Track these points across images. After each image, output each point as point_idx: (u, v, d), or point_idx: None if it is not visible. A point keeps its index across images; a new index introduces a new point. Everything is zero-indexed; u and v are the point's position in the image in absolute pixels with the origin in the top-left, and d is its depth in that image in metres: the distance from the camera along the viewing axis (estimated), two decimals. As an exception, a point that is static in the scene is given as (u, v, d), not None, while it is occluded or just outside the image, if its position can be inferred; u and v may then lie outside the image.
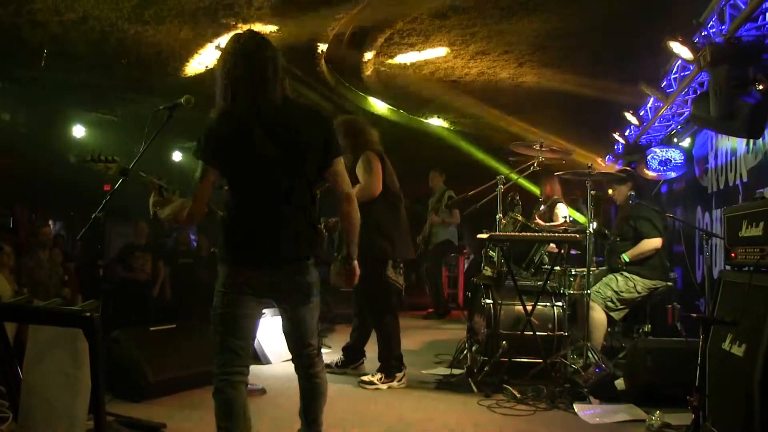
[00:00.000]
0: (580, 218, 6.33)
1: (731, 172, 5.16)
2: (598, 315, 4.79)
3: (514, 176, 5.21)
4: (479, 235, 4.73)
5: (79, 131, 8.56)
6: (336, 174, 2.58)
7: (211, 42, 5.41)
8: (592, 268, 4.79)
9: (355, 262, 2.67)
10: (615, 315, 4.89)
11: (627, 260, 4.93)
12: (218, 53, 5.64)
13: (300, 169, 2.48)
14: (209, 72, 6.34)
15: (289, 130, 2.46)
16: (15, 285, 5.46)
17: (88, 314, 1.65)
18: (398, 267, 4.59)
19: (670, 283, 5.04)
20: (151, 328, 4.37)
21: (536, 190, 6.50)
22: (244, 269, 2.45)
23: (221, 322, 2.44)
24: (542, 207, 6.15)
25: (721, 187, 5.43)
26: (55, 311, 1.88)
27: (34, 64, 5.95)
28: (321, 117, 2.61)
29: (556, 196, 6.10)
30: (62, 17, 4.89)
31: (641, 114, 6.39)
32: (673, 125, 6.32)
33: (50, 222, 11.40)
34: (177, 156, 10.97)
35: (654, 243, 4.89)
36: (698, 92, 4.93)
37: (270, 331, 5.09)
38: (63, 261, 7.07)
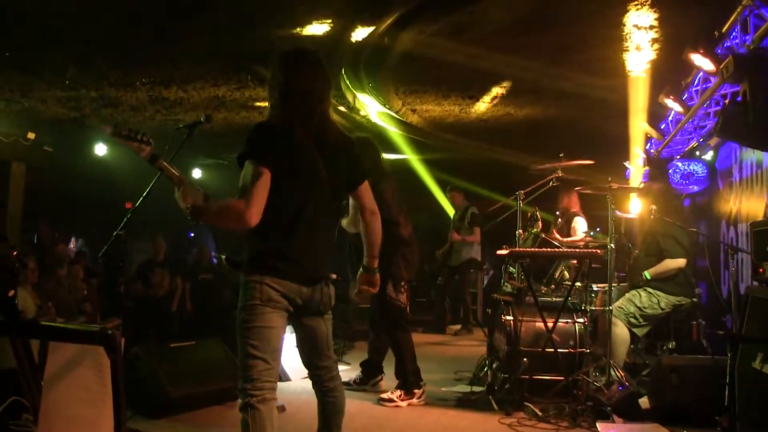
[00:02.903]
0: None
1: (757, 185, 5.07)
2: (621, 331, 4.70)
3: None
4: (499, 251, 4.69)
5: (101, 149, 8.71)
6: (362, 193, 2.66)
7: (228, 61, 5.48)
8: (613, 284, 4.71)
9: (377, 276, 2.71)
10: (638, 331, 4.80)
11: (648, 277, 4.85)
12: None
13: (336, 186, 2.54)
14: (228, 91, 6.43)
15: (332, 150, 2.52)
16: (38, 300, 5.51)
17: (109, 332, 1.66)
18: (399, 286, 4.58)
19: (695, 299, 4.95)
20: (171, 345, 4.39)
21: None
22: (281, 281, 2.39)
23: (253, 335, 2.35)
24: (559, 221, 6.08)
25: (747, 200, 5.33)
26: (78, 329, 1.90)
27: (55, 84, 6.07)
28: (351, 142, 2.67)
29: (573, 210, 6.03)
30: (85, 37, 4.99)
31: (662, 127, 6.33)
32: (695, 138, 6.24)
33: (73, 239, 11.57)
34: (197, 173, 11.11)
35: (677, 263, 4.78)
36: (723, 104, 4.87)
37: (289, 348, 5.08)
38: (85, 277, 7.13)
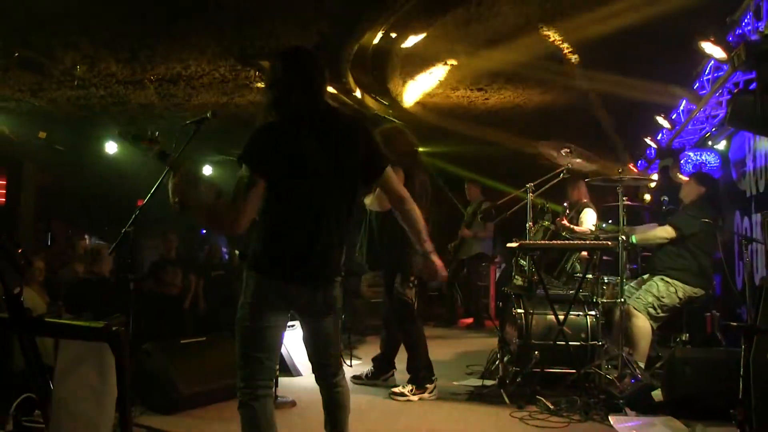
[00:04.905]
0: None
1: (771, 174, 5.00)
2: (642, 323, 4.61)
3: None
4: (509, 244, 4.66)
5: (111, 147, 8.77)
6: (386, 182, 2.57)
7: (236, 57, 5.48)
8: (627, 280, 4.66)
9: (434, 256, 2.64)
10: (653, 324, 4.74)
11: (634, 240, 4.76)
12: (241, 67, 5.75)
13: (343, 183, 2.46)
14: (236, 87, 6.43)
15: (336, 142, 2.45)
16: (47, 298, 5.55)
17: (114, 328, 1.66)
18: (407, 281, 4.54)
19: (710, 291, 4.88)
20: (182, 341, 4.40)
21: None
22: (278, 281, 2.38)
23: (248, 334, 2.37)
24: (568, 212, 6.01)
25: (761, 190, 5.26)
26: (82, 326, 1.91)
27: (65, 83, 6.10)
28: (363, 128, 2.59)
29: (584, 200, 5.97)
30: (93, 37, 5.01)
31: (673, 117, 6.25)
32: (707, 128, 6.16)
33: (86, 236, 11.66)
34: (207, 170, 11.15)
35: (665, 231, 4.71)
36: (733, 93, 4.80)
37: (300, 343, 5.07)
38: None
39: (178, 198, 2.34)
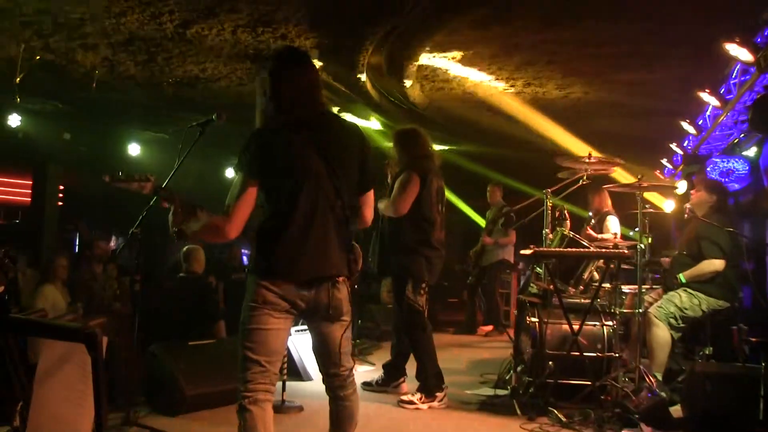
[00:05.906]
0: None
1: (802, 182, 4.79)
2: (662, 333, 4.46)
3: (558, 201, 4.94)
4: (523, 251, 4.54)
5: (134, 149, 8.90)
6: (365, 202, 2.61)
7: (251, 60, 5.48)
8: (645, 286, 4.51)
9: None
10: (675, 334, 4.57)
11: (683, 281, 4.61)
12: (259, 69, 5.75)
13: (339, 184, 2.44)
14: (253, 89, 6.44)
15: (330, 145, 2.44)
16: (68, 297, 5.61)
17: (90, 330, 1.63)
18: (418, 288, 4.44)
19: (736, 304, 4.68)
20: (189, 343, 4.38)
21: None
22: (276, 283, 2.36)
23: (250, 337, 2.36)
24: (593, 221, 5.87)
25: (792, 198, 5.05)
26: (59, 326, 1.89)
27: (87, 85, 6.18)
28: (361, 136, 2.59)
29: (606, 209, 5.83)
30: (111, 39, 5.05)
31: (699, 123, 6.06)
32: (735, 134, 5.95)
33: (112, 237, 11.81)
34: (230, 173, 11.23)
35: (713, 265, 4.52)
36: (758, 96, 4.61)
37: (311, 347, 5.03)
38: (118, 275, 7.25)
39: (176, 228, 2.43)
